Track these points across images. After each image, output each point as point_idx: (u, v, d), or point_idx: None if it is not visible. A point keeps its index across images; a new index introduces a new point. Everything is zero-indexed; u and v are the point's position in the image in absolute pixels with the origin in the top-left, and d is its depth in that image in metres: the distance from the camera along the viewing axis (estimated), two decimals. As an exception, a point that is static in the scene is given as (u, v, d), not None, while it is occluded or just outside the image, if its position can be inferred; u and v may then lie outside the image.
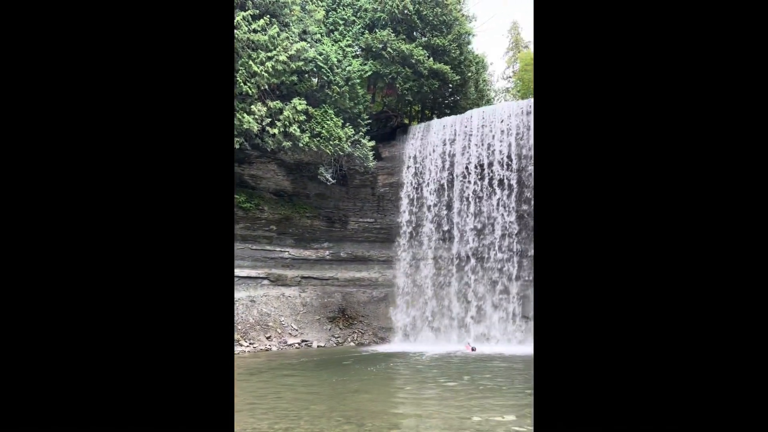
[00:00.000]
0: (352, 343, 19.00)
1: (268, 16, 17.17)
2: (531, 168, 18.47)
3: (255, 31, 16.65)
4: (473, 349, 15.52)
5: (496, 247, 18.45)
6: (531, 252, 18.27)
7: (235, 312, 16.93)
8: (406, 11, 21.74)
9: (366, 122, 19.76)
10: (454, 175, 19.65)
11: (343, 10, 21.45)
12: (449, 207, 19.69)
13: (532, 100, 20.73)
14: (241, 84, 16.18)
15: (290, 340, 17.60)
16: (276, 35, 16.90)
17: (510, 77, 38.55)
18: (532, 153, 18.50)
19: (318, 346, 17.84)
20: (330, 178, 18.78)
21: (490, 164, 18.99)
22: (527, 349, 15.62)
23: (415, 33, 22.96)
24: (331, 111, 18.41)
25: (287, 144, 17.29)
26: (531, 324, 17.61)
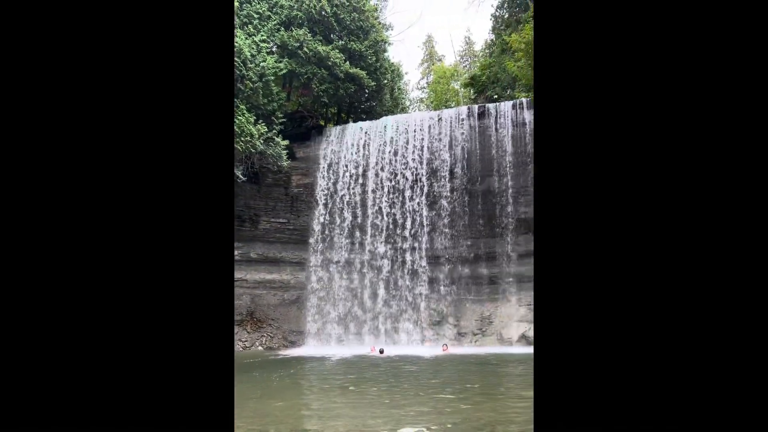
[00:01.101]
0: (260, 348, 18.32)
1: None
2: (444, 174, 19.25)
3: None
4: (381, 352, 15.71)
5: (408, 252, 18.91)
6: (444, 256, 18.98)
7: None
8: (323, 12, 21.71)
9: (280, 121, 19.34)
10: (368, 179, 19.87)
11: (258, 3, 20.89)
12: (363, 210, 19.84)
13: (444, 110, 21.66)
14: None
15: (192, 346, 16.49)
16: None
17: (424, 88, 39.97)
18: (443, 161, 19.30)
19: (223, 352, 16.90)
20: (241, 176, 18.06)
21: (404, 170, 19.48)
22: (436, 350, 16.15)
23: (332, 35, 22.99)
24: (243, 106, 17.75)
25: (194, 138, 16.32)
26: (443, 327, 18.25)
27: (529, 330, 16.87)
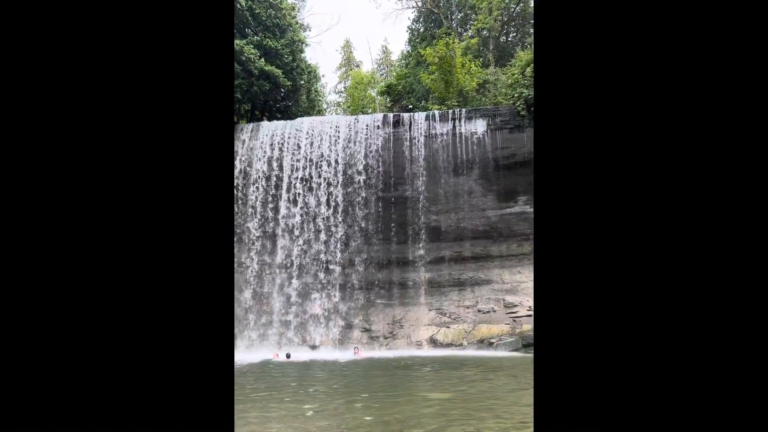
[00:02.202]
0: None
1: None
2: (358, 179, 19.31)
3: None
4: (288, 356, 15.31)
5: (321, 255, 18.66)
6: (357, 261, 18.99)
7: None
8: (238, 5, 20.83)
9: (187, 115, 18.11)
10: (281, 179, 19.34)
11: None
12: (275, 210, 19.25)
13: (361, 116, 21.78)
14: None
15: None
16: None
17: (341, 92, 39.97)
18: (357, 166, 19.37)
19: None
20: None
21: (318, 173, 19.24)
22: (347, 354, 16.06)
23: (247, 30, 22.14)
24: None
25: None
26: (354, 331, 18.21)
27: (438, 333, 17.46)
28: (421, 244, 19.19)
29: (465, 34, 29.34)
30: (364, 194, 19.33)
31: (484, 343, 16.44)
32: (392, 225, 19.49)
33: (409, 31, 31.79)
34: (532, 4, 28.13)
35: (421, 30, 31.00)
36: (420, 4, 31.51)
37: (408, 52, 31.73)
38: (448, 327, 17.63)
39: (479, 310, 18.30)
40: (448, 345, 16.62)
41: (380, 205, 19.45)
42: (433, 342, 17.47)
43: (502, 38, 29.04)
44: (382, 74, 38.46)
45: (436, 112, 20.19)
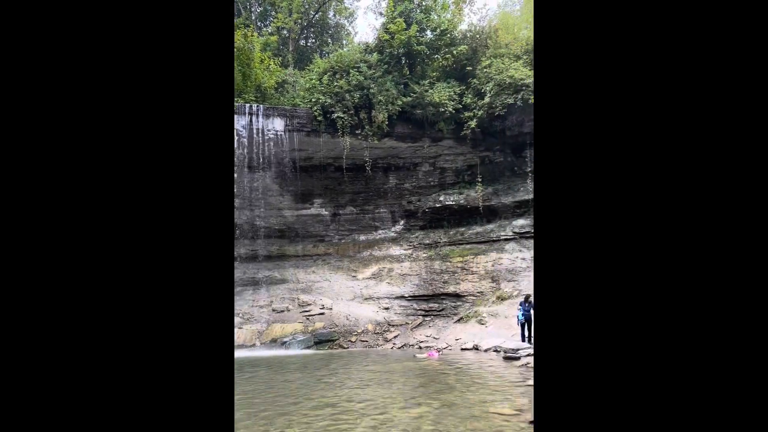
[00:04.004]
0: None
1: None
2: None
3: None
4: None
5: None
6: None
7: None
8: None
9: None
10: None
11: None
12: None
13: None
14: None
15: None
16: None
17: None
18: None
19: None
20: None
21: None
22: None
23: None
24: None
25: None
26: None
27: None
28: (260, 241, 18.16)
29: (265, 29, 28.88)
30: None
31: (277, 342, 16.53)
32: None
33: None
34: (331, 14, 29.46)
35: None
36: (217, -12, 29.60)
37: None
38: (240, 328, 17.13)
39: (274, 310, 18.31)
40: (240, 346, 16.15)
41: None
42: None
43: (302, 41, 29.59)
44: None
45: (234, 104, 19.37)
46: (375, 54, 19.98)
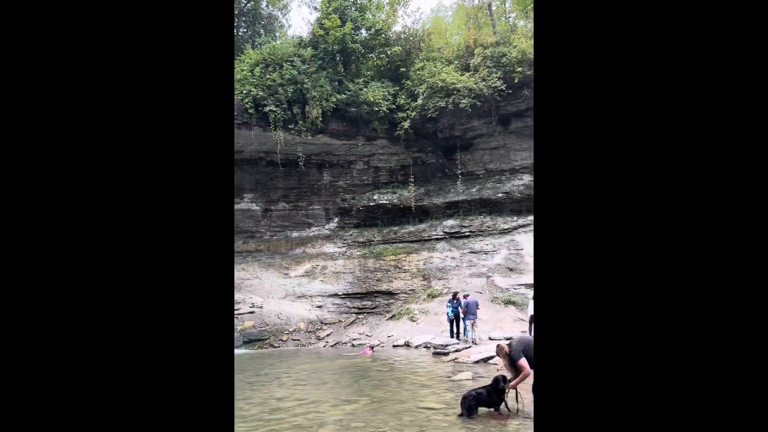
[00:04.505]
0: None
1: None
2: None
3: None
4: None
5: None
6: None
7: None
8: None
9: None
10: None
11: None
12: None
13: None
14: None
15: None
16: None
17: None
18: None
19: None
20: None
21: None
22: None
23: None
24: None
25: None
26: None
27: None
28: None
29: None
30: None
31: (204, 344, 15.86)
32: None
33: None
34: (264, 4, 28.63)
35: None
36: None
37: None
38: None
39: (199, 311, 17.54)
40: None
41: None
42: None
43: (235, 30, 28.47)
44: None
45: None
46: (309, 49, 19.71)
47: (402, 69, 20.11)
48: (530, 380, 5.49)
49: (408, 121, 18.80)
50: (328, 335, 16.84)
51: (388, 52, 20.05)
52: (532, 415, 5.46)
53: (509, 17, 25.05)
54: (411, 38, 21.08)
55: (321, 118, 18.60)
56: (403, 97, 19.26)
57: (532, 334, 14.23)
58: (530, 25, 21.44)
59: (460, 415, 5.57)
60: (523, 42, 17.58)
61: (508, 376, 5.79)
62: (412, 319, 16.35)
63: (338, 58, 20.16)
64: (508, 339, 8.56)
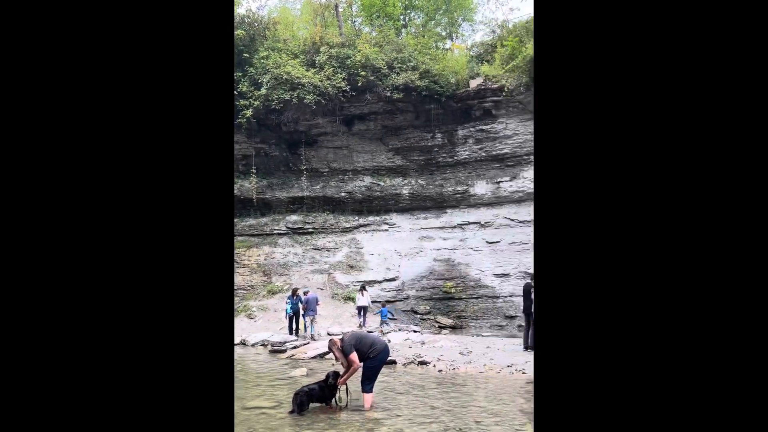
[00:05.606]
0: None
1: None
2: None
3: None
4: None
5: None
6: None
7: None
8: None
9: None
10: None
11: None
12: None
13: None
14: None
15: None
16: None
17: None
18: None
19: None
20: None
21: None
22: None
23: None
24: None
25: None
26: None
27: None
28: None
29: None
30: None
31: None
32: None
33: None
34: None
35: None
36: None
37: None
38: None
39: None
40: None
41: None
42: None
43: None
44: None
45: None
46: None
47: (245, 54, 19.18)
48: (359, 373, 5.75)
49: (251, 109, 18.04)
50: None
51: (231, 36, 18.94)
52: (361, 406, 5.75)
53: (355, 21, 25.82)
54: (255, 24, 20.22)
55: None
56: (245, 84, 18.40)
57: (364, 322, 15.00)
58: (375, 33, 22.39)
59: (291, 412, 5.57)
60: (367, 47, 18.24)
61: (341, 370, 5.98)
62: (249, 317, 15.81)
63: (173, 35, 18.33)
64: (344, 334, 8.85)
